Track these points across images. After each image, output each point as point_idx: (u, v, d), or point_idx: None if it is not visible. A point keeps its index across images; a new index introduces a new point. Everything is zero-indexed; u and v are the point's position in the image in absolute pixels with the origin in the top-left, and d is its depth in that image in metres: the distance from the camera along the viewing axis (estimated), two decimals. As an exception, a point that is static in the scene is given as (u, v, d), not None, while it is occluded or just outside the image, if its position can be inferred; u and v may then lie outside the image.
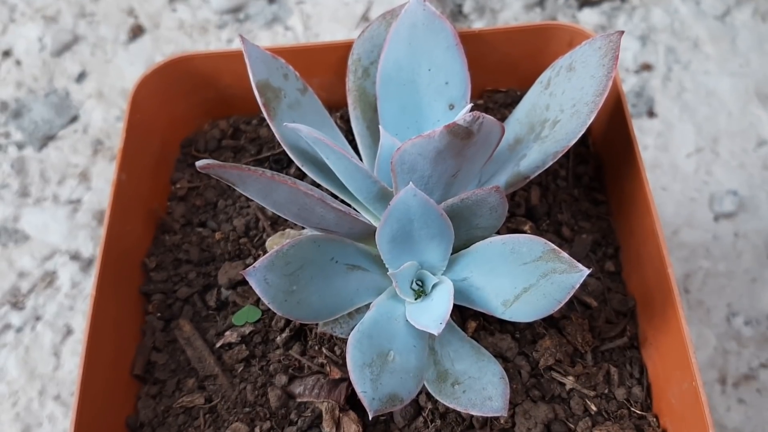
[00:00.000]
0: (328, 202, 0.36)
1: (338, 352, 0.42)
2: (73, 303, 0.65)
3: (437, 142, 0.34)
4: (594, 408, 0.40)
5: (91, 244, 0.69)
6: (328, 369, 0.41)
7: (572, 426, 0.39)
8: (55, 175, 0.73)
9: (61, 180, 0.73)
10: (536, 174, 0.41)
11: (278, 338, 0.43)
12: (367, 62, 0.46)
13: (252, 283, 0.35)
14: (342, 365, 0.41)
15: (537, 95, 0.43)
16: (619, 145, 0.47)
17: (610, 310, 0.44)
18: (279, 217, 0.48)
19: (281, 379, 0.42)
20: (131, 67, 0.81)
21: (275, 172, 0.36)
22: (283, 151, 0.47)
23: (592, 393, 0.40)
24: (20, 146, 0.75)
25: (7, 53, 0.83)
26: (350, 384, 0.39)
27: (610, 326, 0.43)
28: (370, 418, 0.36)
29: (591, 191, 0.50)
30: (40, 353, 0.63)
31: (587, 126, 0.39)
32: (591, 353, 0.42)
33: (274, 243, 0.45)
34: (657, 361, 0.41)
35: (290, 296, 0.37)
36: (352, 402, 0.40)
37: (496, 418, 0.39)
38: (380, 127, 0.41)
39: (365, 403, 0.35)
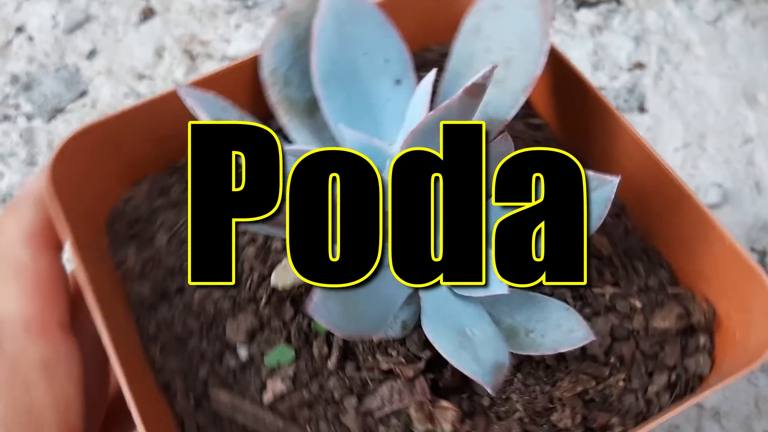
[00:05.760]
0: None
1: (393, 353, 0.36)
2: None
3: (456, 108, 0.30)
4: (638, 304, 0.38)
5: (94, 213, 0.67)
6: (398, 371, 0.36)
7: (630, 327, 0.37)
8: (62, 146, 0.71)
9: (67, 151, 0.71)
10: (513, 116, 0.37)
11: (328, 364, 0.37)
12: (285, 70, 0.41)
13: (317, 317, 0.31)
14: (408, 363, 0.36)
15: (470, 44, 0.39)
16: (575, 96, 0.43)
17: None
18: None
19: (351, 402, 0.35)
20: (141, 47, 0.79)
21: None
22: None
23: (634, 288, 0.38)
24: (29, 117, 0.73)
25: (20, 29, 0.80)
26: (428, 376, 0.36)
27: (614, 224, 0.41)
28: (493, 394, 0.33)
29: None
30: (39, 317, 0.61)
31: (546, 53, 0.36)
32: (614, 256, 0.40)
33: (280, 277, 0.38)
34: (669, 244, 0.40)
35: (348, 315, 0.32)
36: (437, 391, 0.36)
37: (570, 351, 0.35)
38: (337, 126, 0.37)
39: (480, 381, 0.31)
